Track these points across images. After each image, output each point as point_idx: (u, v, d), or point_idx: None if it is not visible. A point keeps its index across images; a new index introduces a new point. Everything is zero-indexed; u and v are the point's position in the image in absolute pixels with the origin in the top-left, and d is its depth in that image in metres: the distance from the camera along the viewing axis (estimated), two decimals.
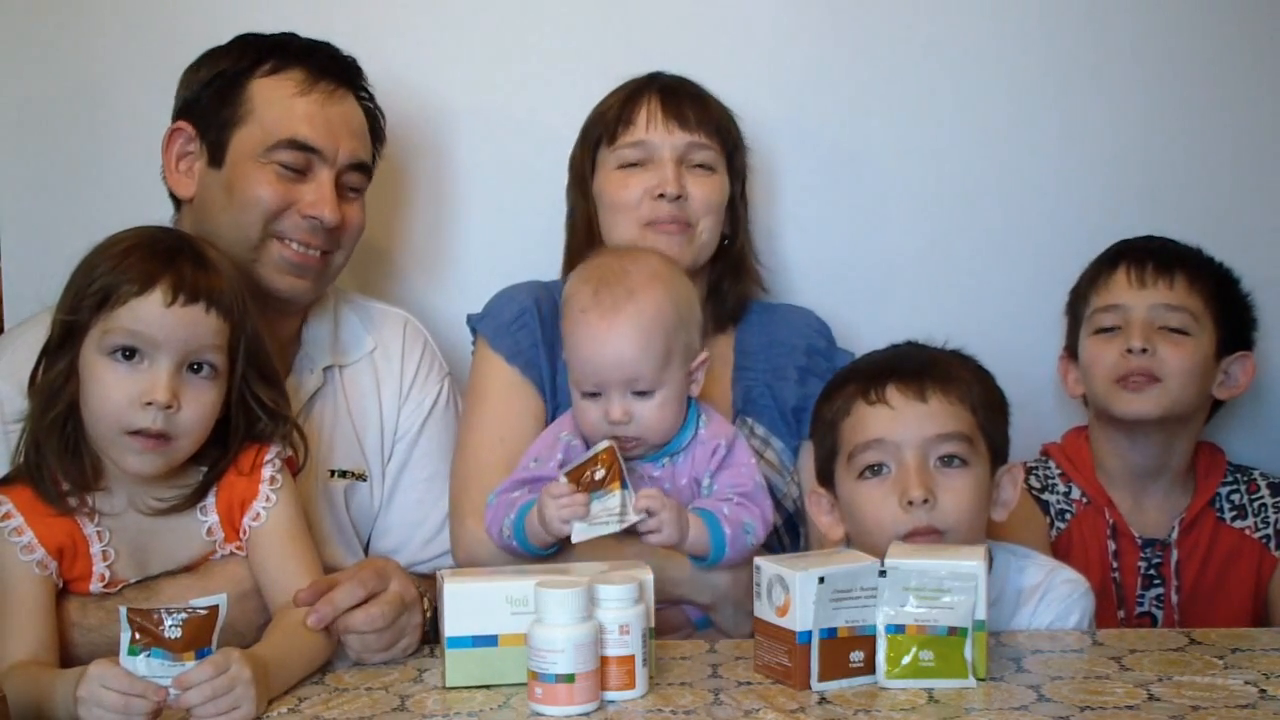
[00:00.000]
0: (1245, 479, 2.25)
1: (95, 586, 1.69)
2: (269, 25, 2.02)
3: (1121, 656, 1.66)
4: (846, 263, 2.43)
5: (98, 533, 1.70)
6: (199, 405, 1.67)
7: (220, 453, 1.73)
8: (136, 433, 1.64)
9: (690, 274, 2.06)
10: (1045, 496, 2.22)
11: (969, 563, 1.57)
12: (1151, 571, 2.18)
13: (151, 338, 1.63)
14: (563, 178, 2.20)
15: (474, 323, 2.13)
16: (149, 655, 1.48)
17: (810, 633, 1.55)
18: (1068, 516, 2.21)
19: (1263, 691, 1.54)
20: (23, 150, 2.41)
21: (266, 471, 1.74)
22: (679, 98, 2.09)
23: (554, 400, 2.02)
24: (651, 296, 1.82)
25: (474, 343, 2.13)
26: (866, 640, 1.58)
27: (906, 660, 1.57)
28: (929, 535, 1.71)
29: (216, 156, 1.94)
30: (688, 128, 2.07)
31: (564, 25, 2.40)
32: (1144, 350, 2.11)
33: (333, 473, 2.04)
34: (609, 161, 2.10)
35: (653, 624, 1.60)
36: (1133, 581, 2.18)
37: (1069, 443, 2.27)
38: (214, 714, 1.47)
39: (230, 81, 1.94)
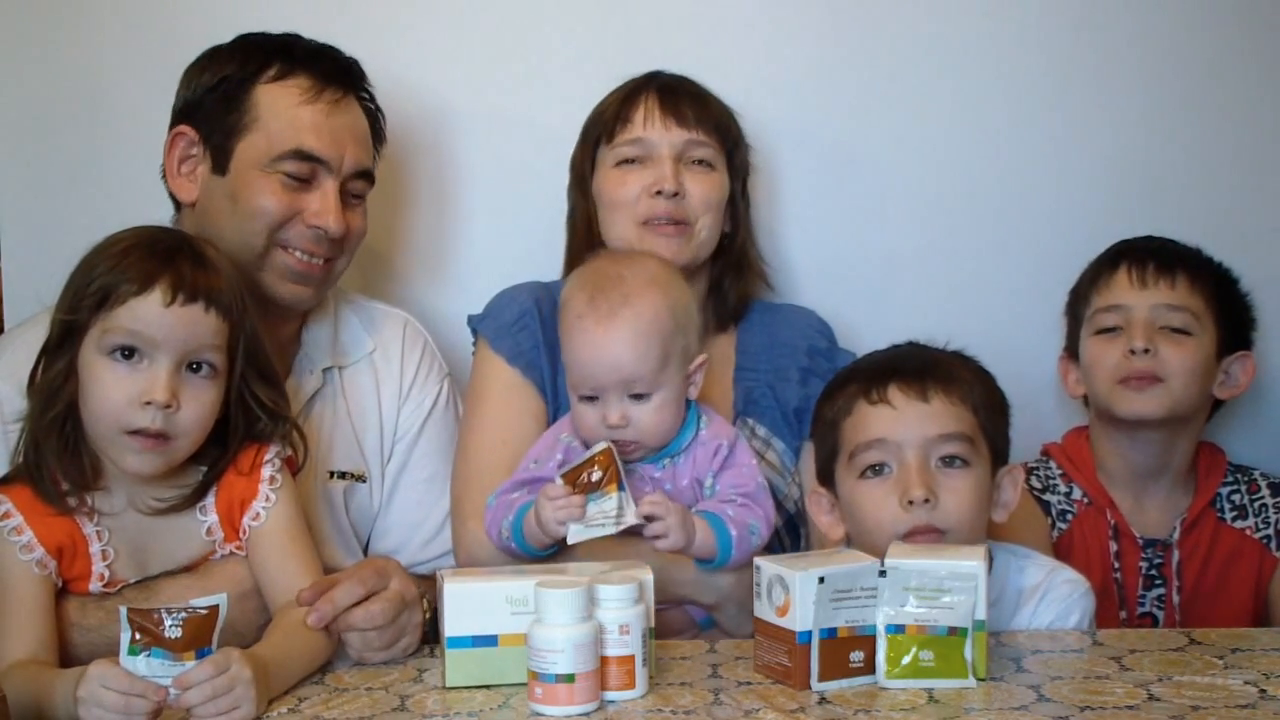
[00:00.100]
0: (1246, 479, 2.25)
1: (95, 586, 1.69)
2: (269, 25, 2.02)
3: (1121, 656, 1.66)
4: (847, 262, 2.43)
5: (97, 532, 1.70)
6: (198, 405, 1.67)
7: (220, 452, 1.73)
8: (136, 432, 1.64)
9: (691, 272, 2.06)
10: (1046, 497, 2.22)
11: (969, 563, 1.57)
12: (1153, 572, 2.18)
13: (150, 337, 1.63)
14: (563, 177, 2.20)
15: (474, 324, 2.13)
16: (149, 655, 1.48)
17: (810, 633, 1.55)
18: (1069, 517, 2.21)
19: (1263, 691, 1.54)
20: (23, 150, 2.41)
21: (266, 471, 1.74)
22: (677, 96, 2.09)
23: (555, 401, 2.02)
24: (648, 301, 1.82)
25: (474, 344, 2.13)
26: (866, 640, 1.58)
27: (906, 660, 1.57)
28: (929, 534, 1.71)
29: (220, 163, 1.94)
30: (686, 125, 2.07)
31: (564, 25, 2.40)
32: (1146, 350, 2.11)
33: (332, 474, 2.04)
34: (608, 160, 2.10)
35: (653, 624, 1.60)
36: (1134, 582, 2.18)
37: (1069, 443, 2.27)
38: (214, 714, 1.47)
39: (235, 87, 1.93)
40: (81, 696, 1.45)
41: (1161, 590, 2.18)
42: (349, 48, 2.03)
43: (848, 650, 1.57)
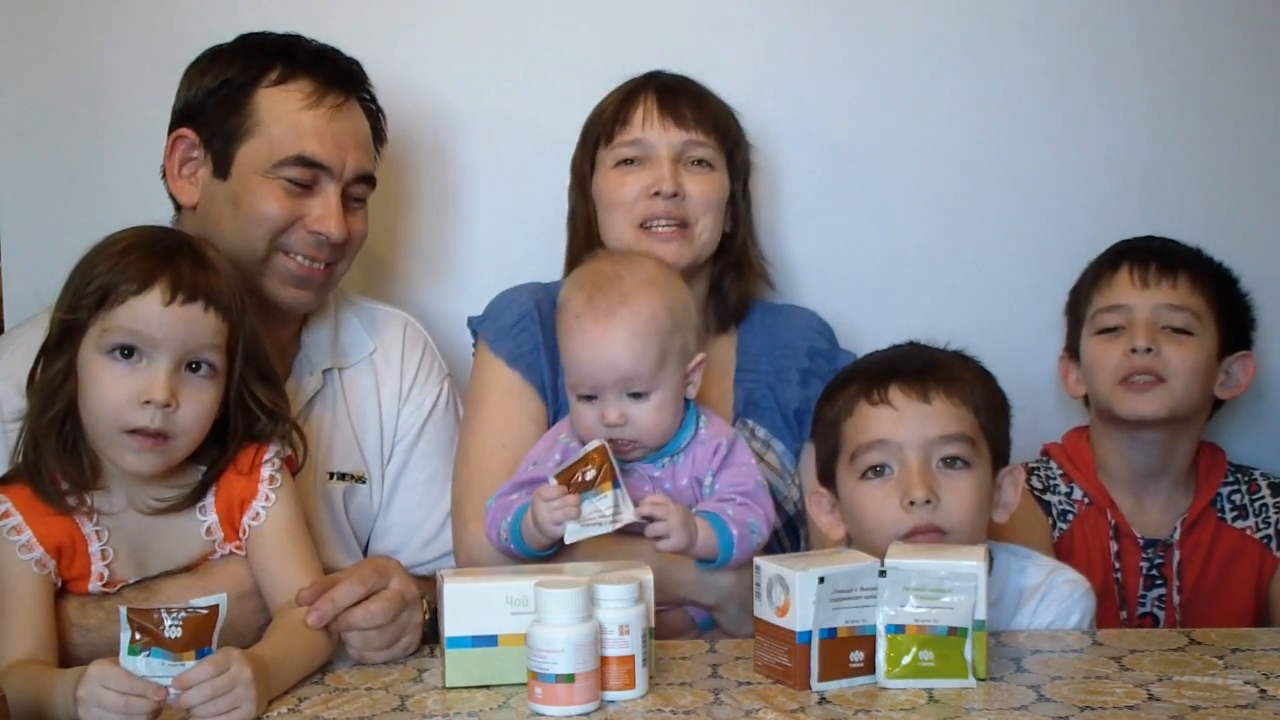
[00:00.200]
0: (1246, 479, 2.25)
1: (94, 586, 1.69)
2: (270, 25, 2.02)
3: (1121, 656, 1.66)
4: (848, 262, 2.43)
5: (96, 532, 1.70)
6: (197, 404, 1.67)
7: (219, 452, 1.73)
8: (135, 431, 1.64)
9: (691, 272, 2.06)
10: (1047, 497, 2.22)
11: (969, 563, 1.57)
12: (1153, 572, 2.18)
13: (150, 336, 1.63)
14: (564, 178, 2.20)
15: (474, 325, 2.13)
16: (149, 655, 1.48)
17: (810, 633, 1.55)
18: (1069, 517, 2.21)
19: (1263, 691, 1.54)
20: (23, 150, 2.40)
21: (266, 471, 1.74)
22: (676, 96, 2.09)
23: (555, 403, 2.02)
24: (645, 301, 1.83)
25: (474, 345, 2.13)
26: (866, 640, 1.58)
27: (906, 660, 1.57)
28: (931, 534, 1.71)
29: (222, 167, 1.94)
30: (684, 125, 2.07)
31: (565, 25, 2.40)
32: (1148, 350, 2.11)
33: (332, 475, 2.04)
34: (607, 161, 2.10)
35: (653, 624, 1.60)
36: (1135, 582, 2.18)
37: (1070, 443, 2.27)
38: (214, 714, 1.47)
39: (236, 90, 1.93)
40: (81, 696, 1.45)
41: (1162, 590, 2.18)
42: (349, 48, 2.03)
43: (848, 650, 1.57)
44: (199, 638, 1.49)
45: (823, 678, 1.56)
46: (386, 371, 2.11)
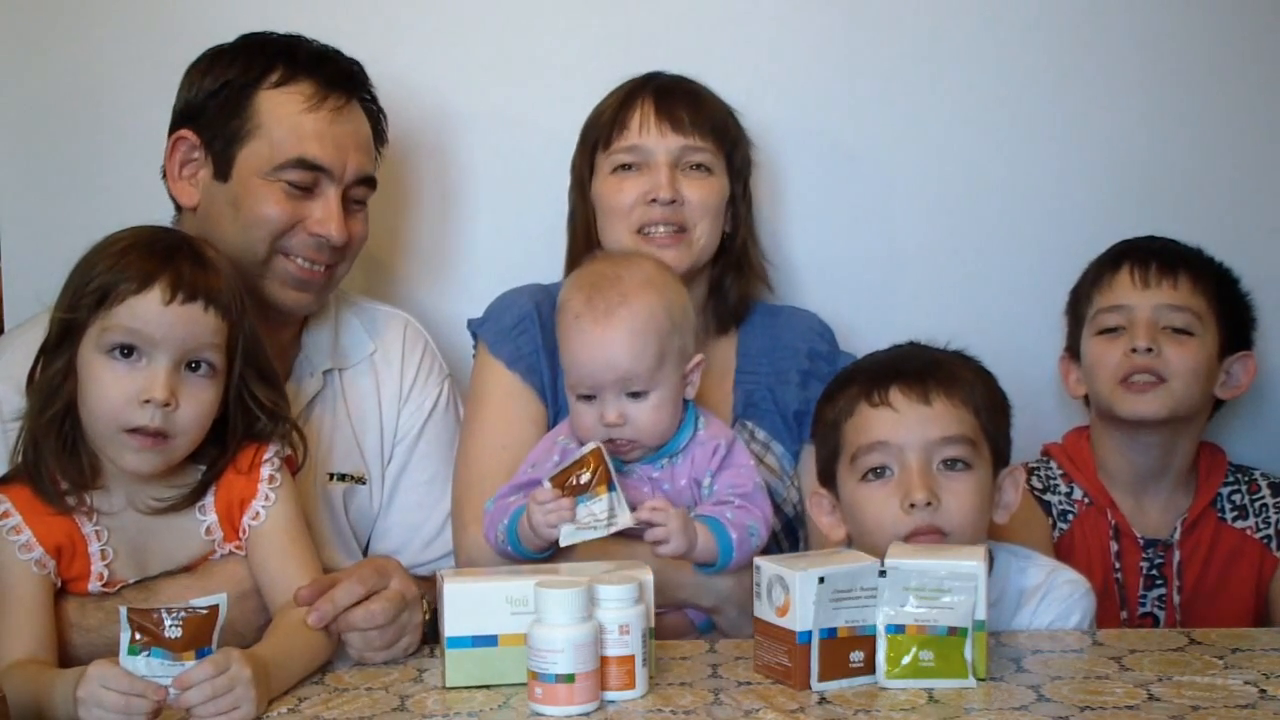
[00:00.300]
0: (1246, 479, 2.25)
1: (94, 586, 1.69)
2: (270, 26, 2.02)
3: (1121, 656, 1.66)
4: (848, 262, 2.43)
5: (96, 532, 1.70)
6: (197, 404, 1.67)
7: (218, 452, 1.73)
8: (134, 431, 1.64)
9: (691, 274, 2.06)
10: (1047, 497, 2.22)
11: (969, 563, 1.57)
12: (1154, 572, 2.18)
13: (150, 336, 1.64)
14: (565, 178, 2.19)
15: (475, 327, 2.12)
16: (149, 655, 1.48)
17: (810, 633, 1.55)
18: (1070, 517, 2.20)
19: (1263, 691, 1.54)
20: (23, 150, 2.41)
21: (265, 470, 1.74)
22: (672, 100, 2.08)
23: (555, 405, 2.02)
24: (644, 301, 1.83)
25: (475, 347, 2.13)
26: (866, 640, 1.58)
27: (906, 660, 1.57)
28: (931, 535, 1.70)
29: (222, 169, 1.93)
30: (681, 130, 2.06)
31: (566, 25, 2.39)
32: (1149, 350, 2.11)
33: (331, 476, 2.04)
34: (604, 166, 2.09)
35: (653, 624, 1.60)
36: (1135, 582, 2.18)
37: (1070, 443, 2.27)
38: (214, 714, 1.47)
39: (237, 92, 1.93)
40: (81, 697, 1.45)
41: (1162, 590, 2.18)
42: (349, 48, 2.03)
43: (848, 650, 1.57)
44: (199, 638, 1.49)
45: (823, 678, 1.56)
46: (387, 372, 2.11)
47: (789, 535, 2.06)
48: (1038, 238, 2.42)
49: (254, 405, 1.75)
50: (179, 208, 2.01)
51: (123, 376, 1.64)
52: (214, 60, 1.97)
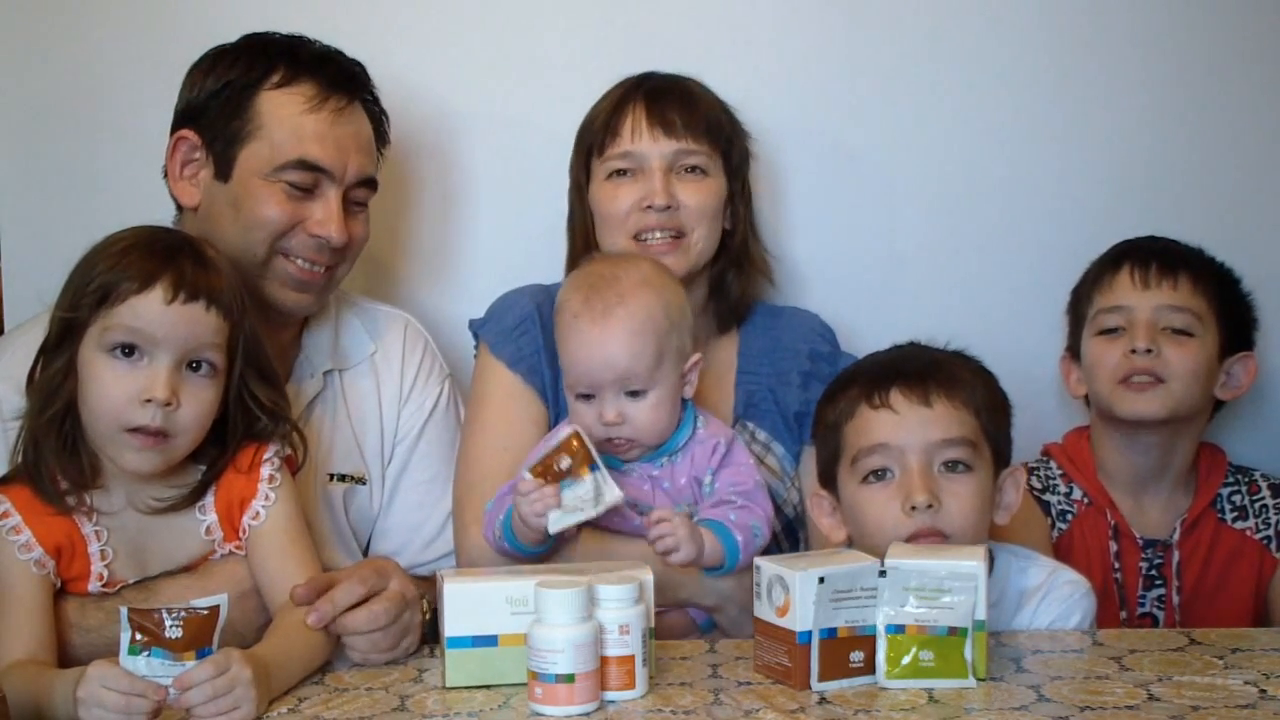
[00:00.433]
0: (1246, 480, 2.25)
1: (94, 586, 1.69)
2: (271, 26, 2.01)
3: (1121, 656, 1.66)
4: (849, 262, 2.43)
5: (96, 532, 1.70)
6: (198, 403, 1.67)
7: (218, 452, 1.73)
8: (135, 430, 1.64)
9: (692, 275, 2.06)
10: (1046, 497, 2.22)
11: (969, 563, 1.57)
12: (1153, 572, 2.18)
13: (151, 335, 1.64)
14: (566, 179, 2.19)
15: (476, 328, 2.12)
16: (149, 655, 1.48)
17: (810, 633, 1.55)
18: (1069, 517, 2.20)
19: (1263, 691, 1.54)
20: (23, 150, 2.41)
21: (265, 470, 1.74)
22: (664, 103, 2.07)
23: (556, 406, 2.02)
24: (641, 300, 1.84)
25: (476, 347, 2.13)
26: (866, 640, 1.58)
27: (906, 660, 1.57)
28: (932, 537, 1.70)
29: (223, 170, 1.93)
30: (674, 134, 2.05)
31: (567, 26, 2.39)
32: (1148, 351, 2.11)
33: (332, 476, 2.04)
34: (599, 172, 2.09)
35: (653, 624, 1.60)
36: (1134, 582, 2.18)
37: (1070, 443, 2.27)
38: (214, 714, 1.47)
39: (238, 92, 1.93)
40: (81, 697, 1.45)
41: (1161, 590, 2.18)
42: (350, 48, 2.03)
43: (848, 650, 1.57)
44: (199, 638, 1.49)
45: (823, 678, 1.56)
46: (387, 372, 2.11)
47: (789, 536, 2.06)
48: (1038, 237, 2.42)
49: (254, 405, 1.75)
50: (180, 207, 2.01)
51: (124, 376, 1.64)
52: (216, 60, 1.97)
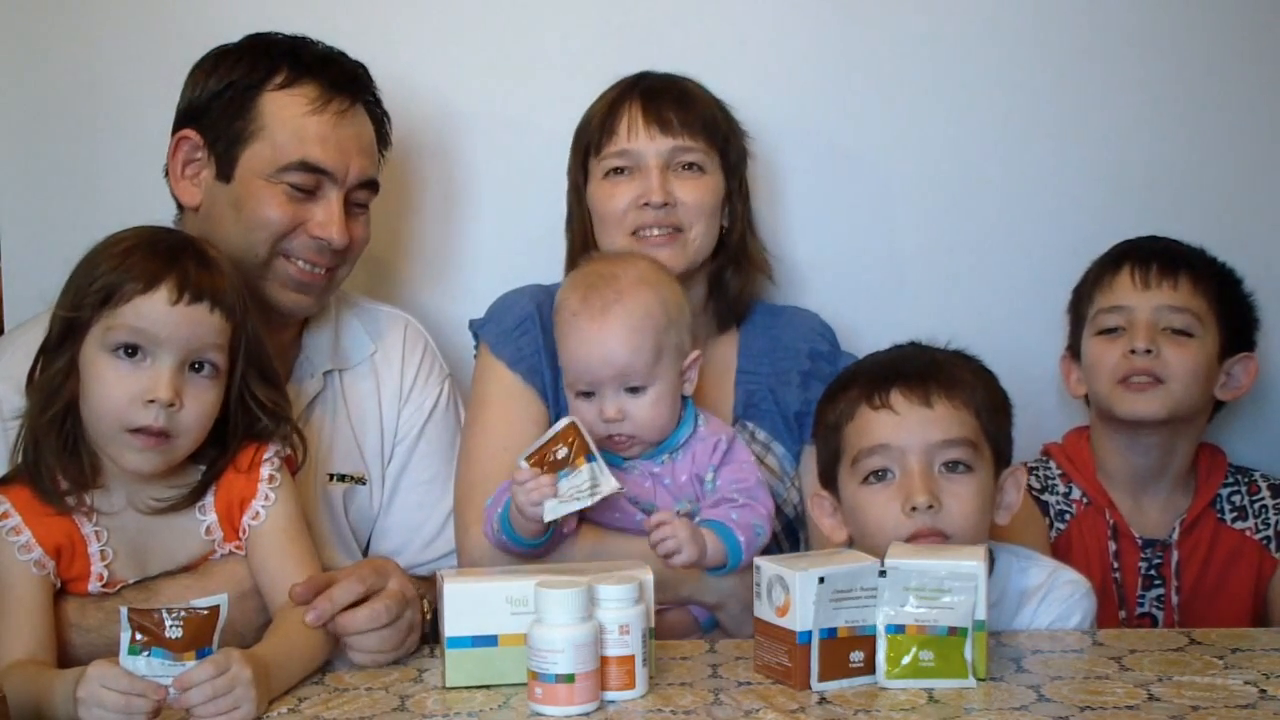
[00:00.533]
0: (1246, 480, 2.25)
1: (94, 586, 1.69)
2: (271, 26, 2.01)
3: (1121, 656, 1.66)
4: (848, 262, 2.43)
5: (96, 532, 1.70)
6: (200, 404, 1.67)
7: (218, 452, 1.73)
8: (137, 430, 1.64)
9: (690, 271, 2.06)
10: (1045, 497, 2.22)
11: (969, 563, 1.57)
12: (1152, 572, 2.18)
13: (155, 335, 1.64)
14: (566, 180, 2.19)
15: (476, 328, 2.13)
16: (149, 655, 1.48)
17: (810, 633, 1.55)
18: (1067, 517, 2.20)
19: (1263, 691, 1.54)
20: (23, 150, 2.41)
21: (265, 470, 1.74)
22: (660, 101, 2.07)
23: (556, 405, 2.02)
24: (639, 297, 1.85)
25: (476, 348, 2.13)
26: (866, 640, 1.58)
27: (906, 660, 1.57)
28: (933, 537, 1.70)
29: (225, 170, 1.93)
30: (670, 132, 2.05)
31: (567, 26, 2.39)
32: (1148, 351, 2.11)
33: (331, 476, 2.04)
34: (597, 171, 2.09)
35: (653, 624, 1.60)
36: (1133, 582, 2.18)
37: (1070, 443, 2.27)
38: (214, 714, 1.47)
39: (241, 93, 1.93)
40: (81, 697, 1.45)
41: (1160, 590, 2.18)
42: (350, 49, 2.03)
43: (848, 650, 1.57)
44: (199, 638, 1.49)
45: (823, 678, 1.56)
46: (387, 372, 2.11)
47: (789, 537, 2.06)
48: (1038, 236, 2.42)
49: (255, 406, 1.75)
50: (181, 207, 2.00)
51: (126, 376, 1.64)
52: (219, 60, 1.97)
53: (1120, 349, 2.14)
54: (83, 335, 1.65)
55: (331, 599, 1.66)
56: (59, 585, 1.69)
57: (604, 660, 1.53)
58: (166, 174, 2.00)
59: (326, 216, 1.94)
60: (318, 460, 2.00)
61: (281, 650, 1.61)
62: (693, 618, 1.88)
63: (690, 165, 2.07)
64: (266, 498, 1.73)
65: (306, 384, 2.04)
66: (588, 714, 1.51)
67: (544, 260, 2.23)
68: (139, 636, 1.48)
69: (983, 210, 2.43)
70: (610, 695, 1.53)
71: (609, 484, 1.74)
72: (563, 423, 1.76)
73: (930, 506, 1.70)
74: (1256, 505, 2.23)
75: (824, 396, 1.88)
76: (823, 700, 1.54)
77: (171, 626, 1.48)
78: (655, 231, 2.04)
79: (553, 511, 1.74)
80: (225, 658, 1.49)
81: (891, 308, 2.38)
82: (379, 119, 2.05)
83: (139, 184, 2.08)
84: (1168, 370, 2.11)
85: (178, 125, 1.98)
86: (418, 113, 2.32)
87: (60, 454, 1.67)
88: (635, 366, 1.83)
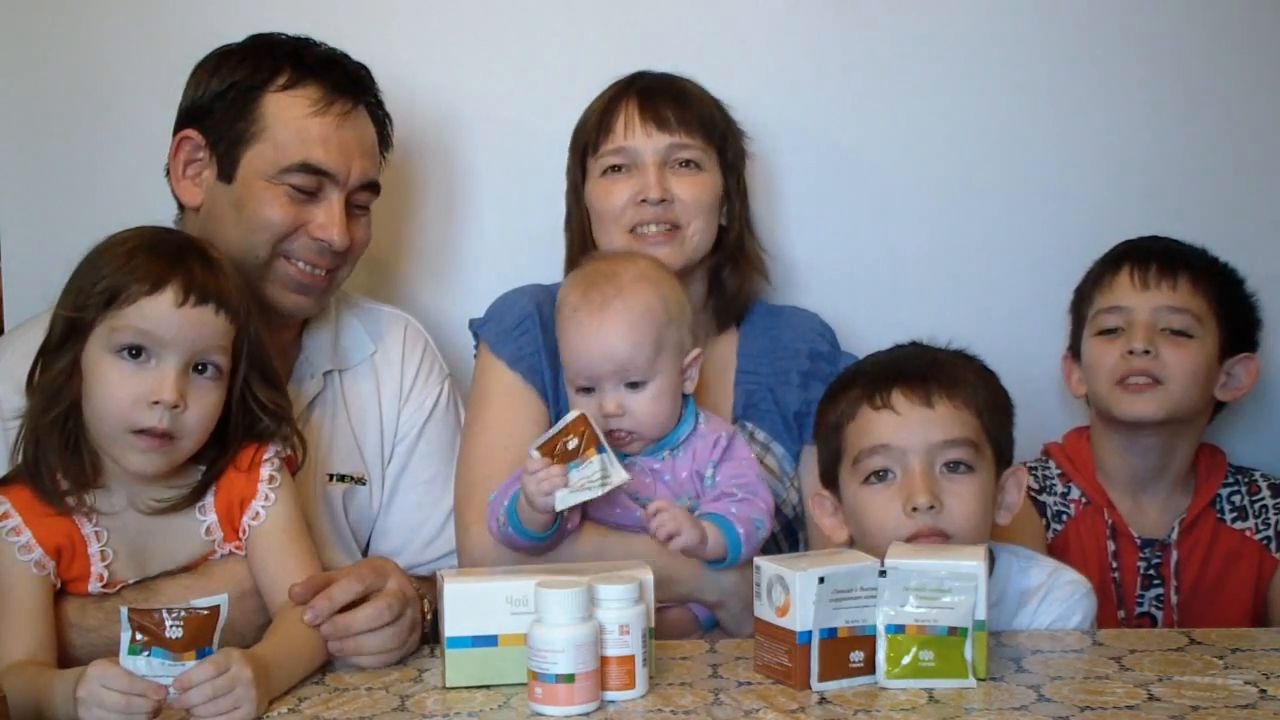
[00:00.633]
0: (1246, 480, 2.25)
1: (94, 586, 1.69)
2: (271, 26, 2.01)
3: (1121, 656, 1.66)
4: (848, 263, 2.43)
5: (96, 533, 1.70)
6: (203, 405, 1.67)
7: (218, 452, 1.73)
8: (141, 432, 1.64)
9: (689, 269, 2.07)
10: (1042, 498, 2.21)
11: (969, 563, 1.57)
12: (1151, 571, 2.18)
13: (160, 337, 1.64)
14: (565, 180, 2.20)
15: (476, 327, 2.13)
16: (149, 655, 1.48)
17: (810, 633, 1.55)
18: (1064, 518, 2.20)
19: (1263, 691, 1.54)
20: (23, 150, 2.41)
21: (265, 470, 1.74)
22: (656, 99, 2.08)
23: (556, 405, 2.02)
24: (640, 293, 1.86)
25: (476, 347, 2.13)
26: (866, 640, 1.58)
27: (906, 660, 1.57)
28: (934, 538, 1.70)
29: (227, 171, 1.93)
30: (667, 129, 2.06)
31: (567, 27, 2.40)
32: (1146, 352, 2.11)
33: (331, 476, 2.04)
34: (594, 170, 2.10)
35: (653, 624, 1.60)
36: (1132, 581, 2.18)
37: (1070, 443, 2.27)
38: (214, 714, 1.47)
39: (244, 94, 1.93)
40: (81, 697, 1.45)
41: (1160, 590, 2.18)
42: (350, 49, 2.03)
43: (848, 650, 1.57)
44: (200, 638, 1.49)
45: (823, 678, 1.56)
46: (387, 372, 2.11)
47: (788, 537, 2.06)
48: (1038, 236, 2.42)
49: (256, 406, 1.75)
50: (181, 207, 2.00)
51: (130, 377, 1.64)
52: (221, 60, 1.97)
53: (1119, 349, 2.14)
54: (86, 336, 1.65)
55: (330, 598, 1.66)
56: (59, 585, 1.69)
57: (604, 660, 1.53)
58: (168, 173, 2.00)
59: (328, 218, 1.94)
60: (317, 460, 2.00)
61: (281, 650, 1.61)
62: (693, 616, 1.89)
63: (687, 163, 2.07)
64: (266, 498, 1.73)
65: (306, 384, 2.04)
66: (588, 714, 1.51)
67: (544, 260, 2.23)
68: (139, 636, 1.48)
69: (983, 210, 2.43)
70: (610, 695, 1.53)
71: (619, 475, 1.75)
72: (572, 415, 1.77)
73: (931, 507, 1.70)
74: (1257, 505, 2.23)
75: (825, 396, 1.88)
76: (823, 700, 1.54)
77: (171, 626, 1.48)
78: (653, 229, 2.05)
79: (564, 501, 1.74)
80: (225, 658, 1.49)
81: (891, 308, 2.38)
82: (381, 121, 2.05)
83: (139, 184, 2.08)
84: (1166, 371, 2.11)
85: (180, 125, 1.98)
86: (418, 113, 2.32)
87: (62, 454, 1.67)
88: (635, 361, 1.83)
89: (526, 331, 2.06)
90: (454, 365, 2.22)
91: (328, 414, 2.05)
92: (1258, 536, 2.21)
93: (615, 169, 2.07)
